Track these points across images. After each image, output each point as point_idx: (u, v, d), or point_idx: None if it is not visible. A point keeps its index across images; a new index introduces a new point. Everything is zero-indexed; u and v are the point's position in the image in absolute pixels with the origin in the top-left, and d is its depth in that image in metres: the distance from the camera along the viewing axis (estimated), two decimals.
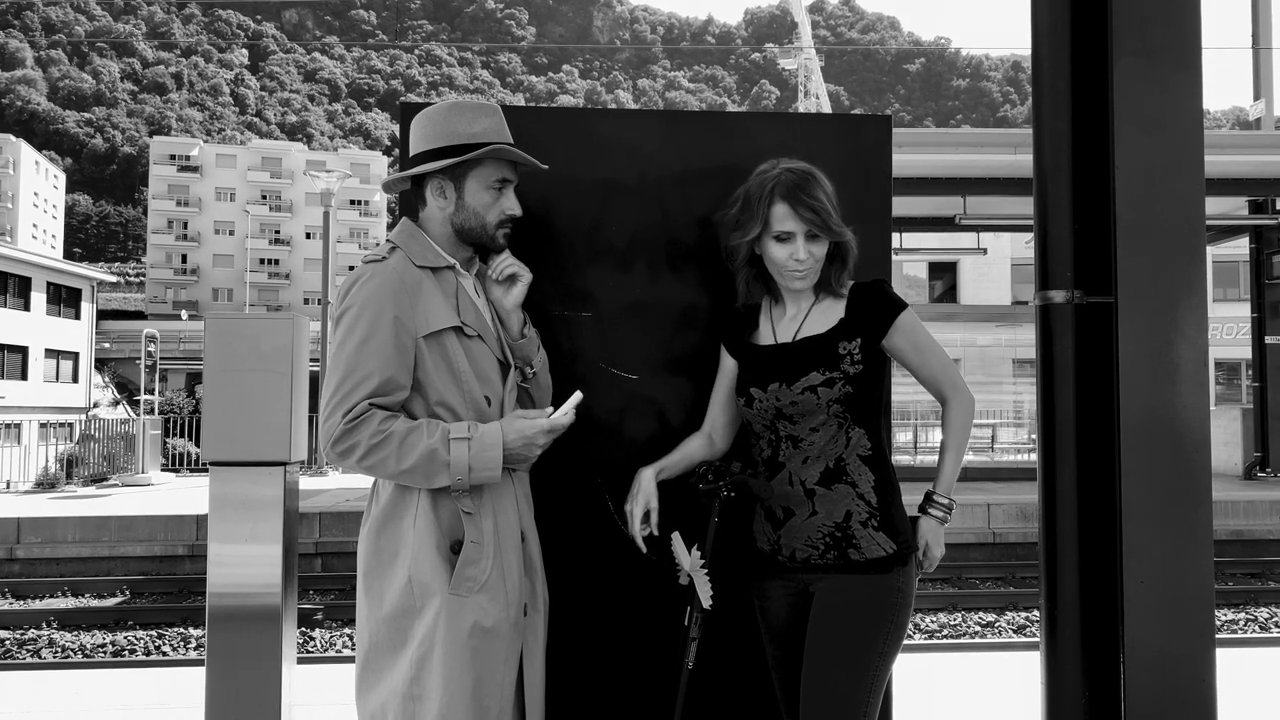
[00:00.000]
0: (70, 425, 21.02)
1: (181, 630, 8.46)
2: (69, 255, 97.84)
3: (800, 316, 2.16)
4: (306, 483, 12.55)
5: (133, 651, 7.87)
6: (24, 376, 35.81)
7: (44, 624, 8.73)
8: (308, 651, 7.73)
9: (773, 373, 2.11)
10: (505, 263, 2.17)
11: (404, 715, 1.96)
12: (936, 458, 2.20)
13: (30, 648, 7.96)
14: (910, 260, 22.79)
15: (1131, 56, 2.40)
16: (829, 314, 2.14)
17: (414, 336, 1.99)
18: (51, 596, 10.18)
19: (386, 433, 1.91)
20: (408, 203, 2.24)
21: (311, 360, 3.37)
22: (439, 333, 2.01)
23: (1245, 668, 4.82)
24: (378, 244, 2.21)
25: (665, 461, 2.22)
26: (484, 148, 2.08)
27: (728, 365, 2.25)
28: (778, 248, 2.09)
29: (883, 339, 2.10)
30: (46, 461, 17.40)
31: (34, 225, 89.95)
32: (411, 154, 2.17)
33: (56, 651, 7.88)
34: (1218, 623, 7.93)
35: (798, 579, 2.11)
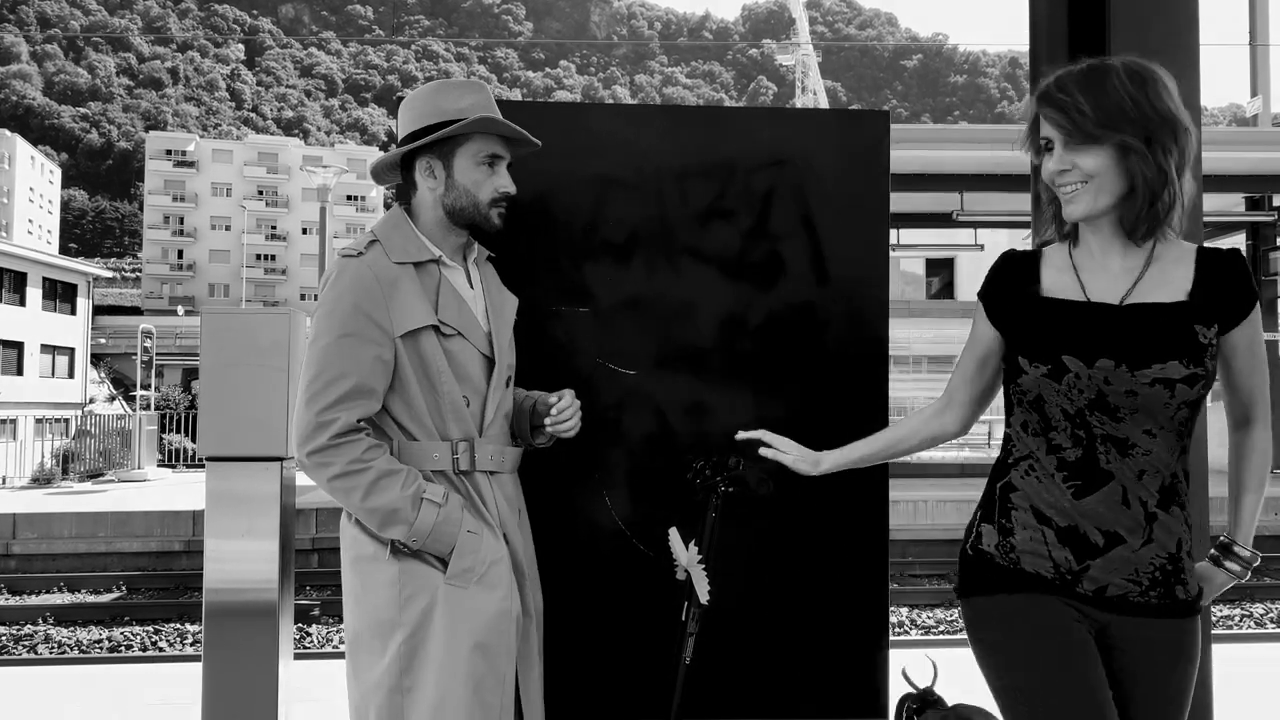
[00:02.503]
0: (66, 421, 20.94)
1: (178, 626, 8.47)
2: (65, 250, 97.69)
3: (1133, 271, 1.64)
4: (303, 478, 12.52)
5: (129, 647, 7.88)
6: (19, 372, 35.76)
7: (40, 620, 8.74)
8: (304, 647, 7.73)
9: (1101, 344, 1.60)
10: (567, 421, 2.09)
11: (389, 708, 1.90)
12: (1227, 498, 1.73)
13: (26, 644, 7.96)
14: (907, 256, 22.73)
15: (1129, 53, 2.40)
16: (1171, 275, 1.63)
17: (391, 336, 1.92)
18: (48, 592, 10.18)
19: (366, 465, 1.87)
20: (403, 194, 2.20)
21: None
22: (415, 332, 1.94)
23: (1241, 663, 4.84)
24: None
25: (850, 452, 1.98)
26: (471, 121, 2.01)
27: (984, 332, 1.78)
28: (1045, 162, 1.67)
29: (1234, 329, 1.63)
30: (42, 457, 17.37)
31: (30, 220, 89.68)
32: (399, 138, 2.11)
33: (53, 647, 7.88)
34: (1213, 618, 7.95)
35: (1086, 613, 1.65)
